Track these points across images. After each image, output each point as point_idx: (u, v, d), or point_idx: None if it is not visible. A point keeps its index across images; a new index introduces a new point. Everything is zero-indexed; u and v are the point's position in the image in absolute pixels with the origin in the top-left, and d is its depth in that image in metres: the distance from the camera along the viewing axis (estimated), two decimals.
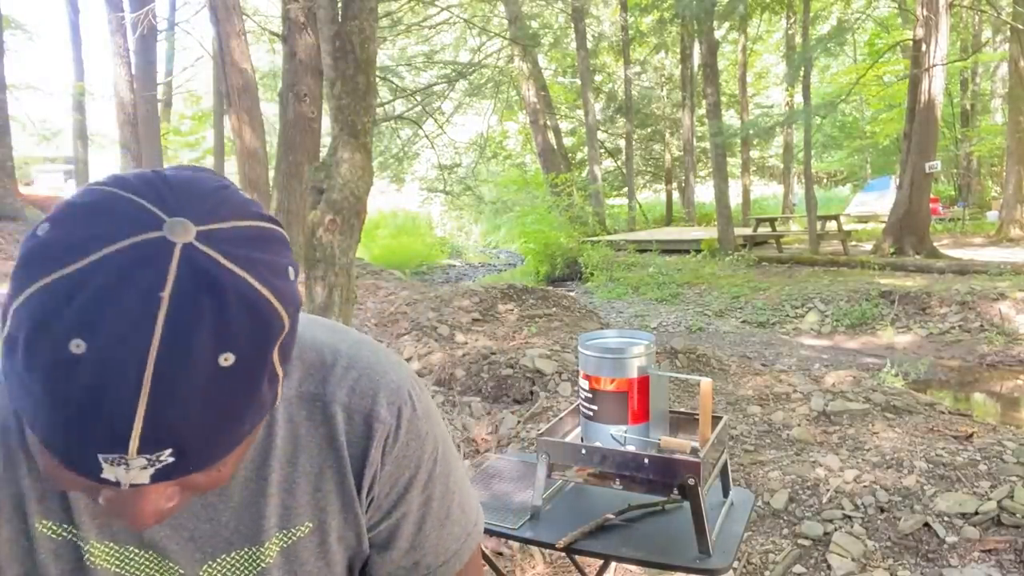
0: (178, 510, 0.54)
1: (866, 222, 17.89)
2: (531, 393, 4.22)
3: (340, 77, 5.39)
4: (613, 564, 2.10)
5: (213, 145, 18.65)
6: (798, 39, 17.20)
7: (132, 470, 0.45)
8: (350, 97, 5.39)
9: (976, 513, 2.66)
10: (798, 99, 16.47)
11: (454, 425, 3.97)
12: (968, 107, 21.18)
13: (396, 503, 0.71)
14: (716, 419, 1.69)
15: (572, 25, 19.86)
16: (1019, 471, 2.87)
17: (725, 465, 1.70)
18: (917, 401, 3.97)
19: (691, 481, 1.45)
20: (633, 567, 2.47)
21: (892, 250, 11.56)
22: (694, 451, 1.53)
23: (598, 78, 23.85)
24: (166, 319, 0.43)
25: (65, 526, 0.62)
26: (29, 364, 0.44)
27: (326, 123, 9.99)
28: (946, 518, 2.67)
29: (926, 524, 2.65)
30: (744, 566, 2.61)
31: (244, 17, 11.92)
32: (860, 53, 23.17)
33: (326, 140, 9.49)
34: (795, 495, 2.93)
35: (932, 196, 13.56)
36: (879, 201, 18.19)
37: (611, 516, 1.62)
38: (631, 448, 1.57)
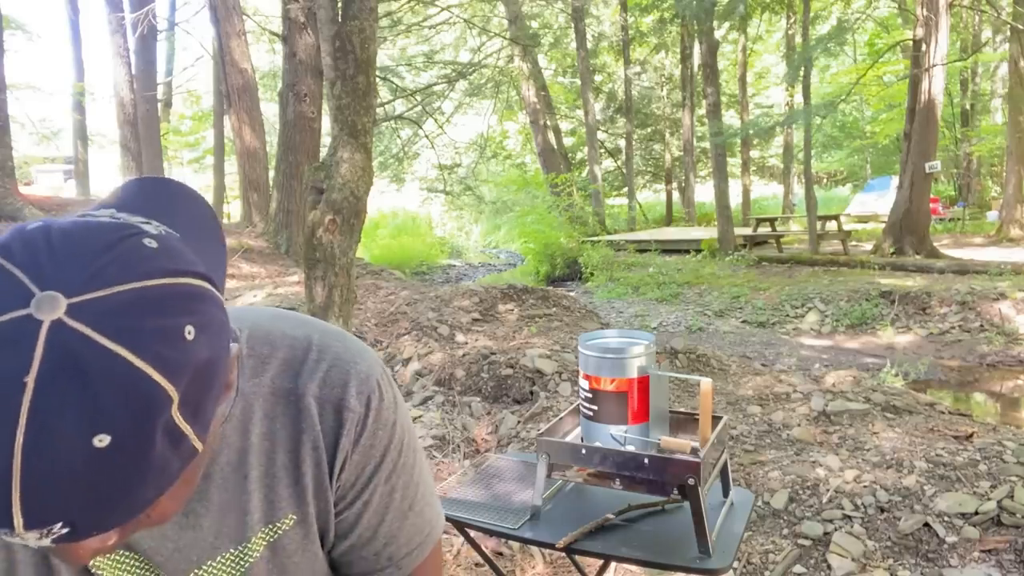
0: (122, 543, 0.52)
1: (866, 222, 17.89)
2: (531, 393, 4.22)
3: (340, 77, 5.40)
4: (613, 564, 2.10)
5: (213, 145, 18.65)
6: (798, 39, 17.20)
7: (29, 541, 0.44)
8: (350, 97, 5.39)
9: (976, 513, 2.66)
10: (798, 99, 16.48)
11: (454, 425, 3.97)
12: (968, 107, 21.18)
13: (361, 491, 0.71)
14: (716, 419, 1.69)
15: (572, 25, 19.87)
16: (1019, 471, 2.87)
17: (725, 465, 1.70)
18: (917, 401, 3.97)
19: (691, 481, 1.45)
20: (633, 567, 2.47)
21: (892, 250, 11.56)
22: (694, 451, 1.53)
23: (598, 78, 23.85)
24: (30, 406, 0.41)
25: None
26: None
27: (326, 123, 10.00)
28: (946, 518, 2.67)
29: (926, 524, 2.65)
30: (744, 566, 2.61)
31: (244, 17, 11.92)
32: (860, 53, 23.18)
33: (326, 140, 9.49)
34: (795, 495, 2.93)
35: (932, 196, 13.56)
36: (879, 201, 18.19)
37: (611, 516, 1.62)
38: (631, 448, 1.56)
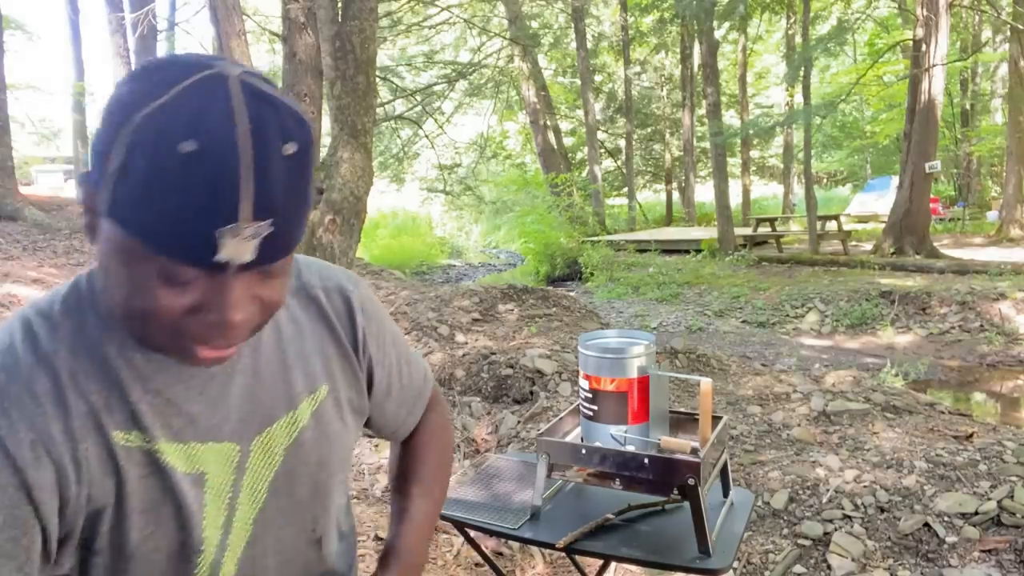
0: (248, 330, 0.66)
1: (866, 222, 17.89)
2: (531, 393, 4.22)
3: (340, 77, 5.40)
4: (613, 564, 2.10)
5: None
6: (798, 39, 17.20)
7: (242, 240, 0.57)
8: (350, 97, 5.40)
9: (976, 513, 2.66)
10: (798, 99, 16.47)
11: (454, 425, 3.97)
12: (968, 107, 21.18)
13: (384, 354, 0.90)
14: (716, 419, 1.69)
15: (572, 25, 19.86)
16: (1019, 471, 2.87)
17: (725, 465, 1.70)
18: (917, 401, 3.97)
19: (691, 481, 1.45)
20: (633, 567, 2.47)
21: (892, 250, 11.56)
22: (694, 451, 1.53)
23: (598, 78, 23.85)
24: (249, 119, 0.56)
25: (135, 433, 0.69)
26: (151, 172, 0.55)
27: (326, 123, 10.00)
28: (946, 518, 2.67)
29: (926, 524, 2.65)
30: (744, 566, 2.61)
31: (244, 17, 11.91)
32: (860, 53, 23.17)
33: (326, 140, 9.48)
34: (795, 495, 2.93)
35: (932, 196, 13.56)
36: (879, 201, 18.19)
37: (611, 516, 1.62)
38: (631, 448, 1.56)
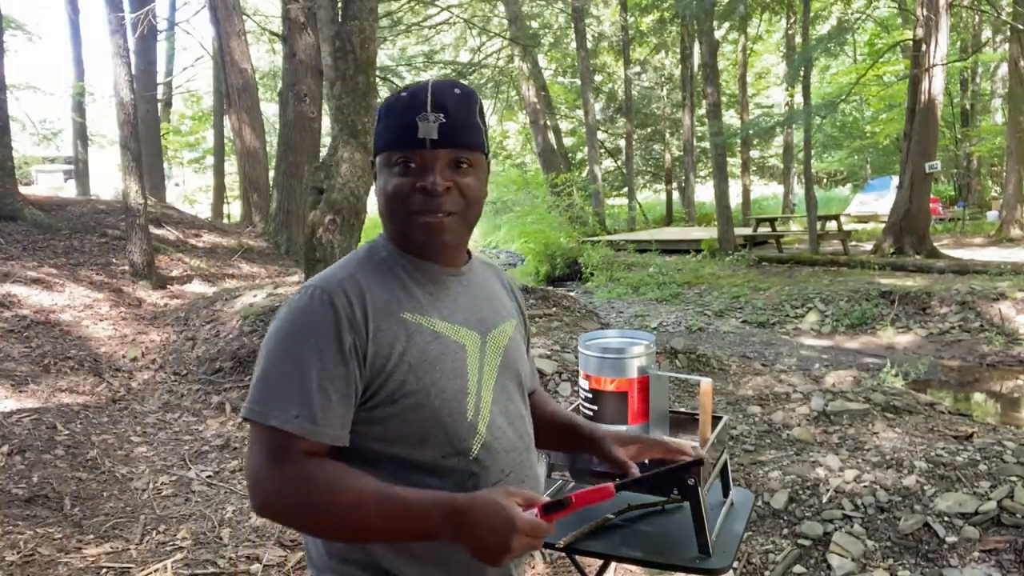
0: (451, 205, 1.04)
1: (866, 222, 17.89)
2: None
3: (340, 77, 5.39)
4: (613, 564, 2.10)
5: (213, 145, 18.64)
6: (798, 39, 17.20)
7: (429, 123, 1.01)
8: (350, 97, 5.39)
9: (976, 513, 2.66)
10: (798, 99, 16.48)
11: None
12: (968, 107, 21.17)
13: (528, 327, 1.31)
14: (716, 419, 1.69)
15: (572, 25, 19.87)
16: (1019, 471, 2.87)
17: (725, 465, 1.70)
18: (917, 401, 3.97)
19: (691, 481, 1.45)
20: (633, 567, 2.47)
21: (892, 250, 11.55)
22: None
23: (598, 78, 23.85)
24: (432, 84, 1.06)
25: (419, 315, 1.05)
26: (386, 112, 1.06)
27: (326, 123, 10.00)
28: (946, 518, 2.67)
29: (926, 524, 2.65)
30: (744, 566, 2.61)
31: (244, 17, 11.92)
32: (860, 53, 23.16)
33: (326, 140, 9.49)
34: (795, 495, 2.93)
35: (932, 196, 13.56)
36: (879, 201, 18.19)
37: (611, 516, 1.62)
38: None
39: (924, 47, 11.03)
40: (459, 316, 1.09)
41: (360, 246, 1.14)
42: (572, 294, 9.29)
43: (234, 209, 17.14)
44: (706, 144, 20.59)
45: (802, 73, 12.88)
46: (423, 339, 1.03)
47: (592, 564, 1.84)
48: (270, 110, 19.28)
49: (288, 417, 0.95)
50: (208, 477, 3.83)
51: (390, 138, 1.04)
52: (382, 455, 1.01)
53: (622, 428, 1.59)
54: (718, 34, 17.55)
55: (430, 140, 1.01)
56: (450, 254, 1.11)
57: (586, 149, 20.50)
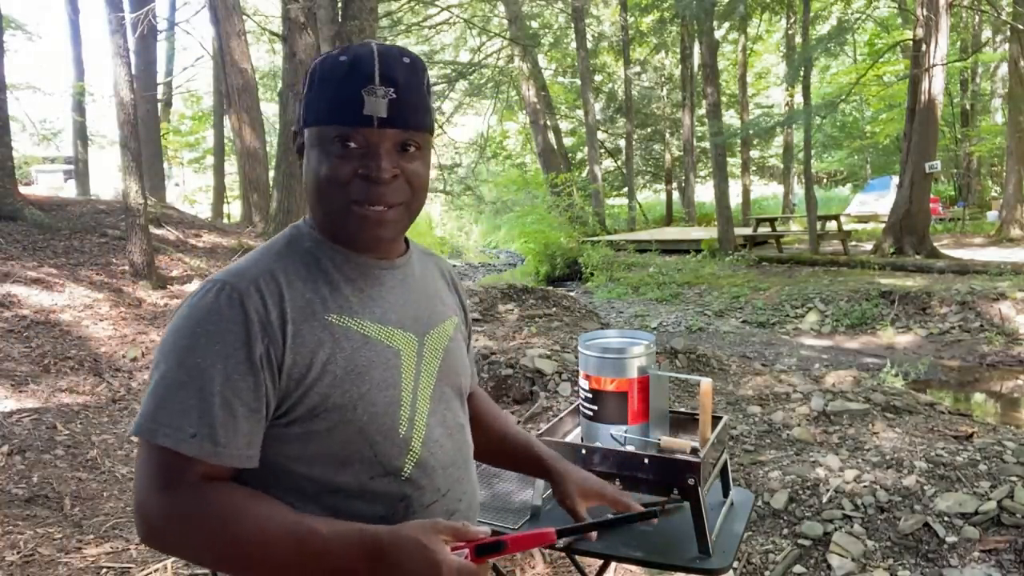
0: (395, 195, 0.91)
1: (866, 222, 17.88)
2: (531, 393, 4.22)
3: None
4: (613, 564, 2.10)
5: (213, 145, 18.64)
6: (798, 39, 17.20)
7: (377, 99, 0.87)
8: None
9: (976, 513, 2.66)
10: (798, 99, 16.47)
11: None
12: (968, 107, 21.16)
13: (470, 320, 1.22)
14: (716, 419, 1.68)
15: (572, 25, 19.86)
16: (1019, 471, 2.87)
17: (725, 465, 1.70)
18: (917, 401, 3.97)
19: (691, 481, 1.45)
20: (633, 567, 2.47)
21: (892, 250, 11.55)
22: (694, 451, 1.53)
23: (598, 78, 23.84)
24: (377, 46, 0.91)
25: (347, 317, 0.93)
26: (321, 76, 0.91)
27: None
28: (946, 518, 2.67)
29: (926, 524, 2.65)
30: (744, 566, 2.61)
31: (244, 17, 11.92)
32: (860, 53, 23.16)
33: None
34: (795, 495, 2.93)
35: (932, 196, 13.56)
36: (879, 201, 18.18)
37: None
38: (631, 448, 1.56)
39: (924, 47, 11.03)
40: (393, 316, 0.97)
41: (279, 233, 1.00)
42: (572, 294, 9.30)
43: (234, 209, 17.14)
44: (706, 144, 20.58)
45: (802, 73, 12.87)
46: (351, 345, 0.91)
47: (592, 564, 1.84)
48: (270, 110, 19.27)
49: (183, 436, 0.81)
50: None
51: (327, 111, 0.88)
52: (299, 477, 0.88)
53: (622, 428, 1.59)
54: (718, 34, 17.55)
55: (378, 119, 0.87)
56: (387, 247, 0.99)
57: (586, 149, 20.49)
